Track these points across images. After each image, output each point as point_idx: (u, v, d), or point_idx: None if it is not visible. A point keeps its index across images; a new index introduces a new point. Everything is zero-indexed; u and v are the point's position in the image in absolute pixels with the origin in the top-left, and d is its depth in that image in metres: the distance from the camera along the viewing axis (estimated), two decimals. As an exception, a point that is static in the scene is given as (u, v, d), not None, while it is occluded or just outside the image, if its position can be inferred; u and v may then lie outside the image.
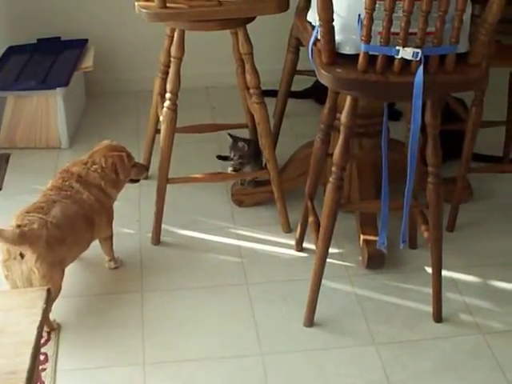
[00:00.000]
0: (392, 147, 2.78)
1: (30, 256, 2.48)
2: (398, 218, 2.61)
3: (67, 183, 2.76)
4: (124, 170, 2.86)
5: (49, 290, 1.73)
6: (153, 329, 2.65)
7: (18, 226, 2.53)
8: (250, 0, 2.78)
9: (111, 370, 2.51)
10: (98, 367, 2.52)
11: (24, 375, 1.54)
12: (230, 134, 3.24)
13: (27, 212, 2.60)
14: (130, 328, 2.66)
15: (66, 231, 2.62)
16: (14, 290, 2.45)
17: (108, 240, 2.90)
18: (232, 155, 3.22)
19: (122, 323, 2.68)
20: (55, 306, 2.55)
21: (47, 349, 2.56)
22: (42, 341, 2.56)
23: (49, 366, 2.50)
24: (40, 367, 2.46)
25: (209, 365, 2.53)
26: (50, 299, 1.71)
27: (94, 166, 2.81)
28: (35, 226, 2.53)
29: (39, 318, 1.65)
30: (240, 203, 3.27)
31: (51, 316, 2.60)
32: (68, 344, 2.60)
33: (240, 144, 3.18)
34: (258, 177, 3.23)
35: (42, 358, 2.51)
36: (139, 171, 2.97)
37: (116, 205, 3.26)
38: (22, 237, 2.48)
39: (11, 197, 3.37)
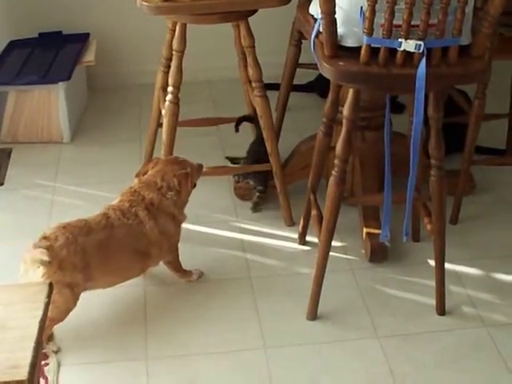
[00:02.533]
0: (395, 140, 2.77)
1: (39, 270, 2.43)
2: (400, 211, 2.61)
3: (133, 210, 2.64)
4: (192, 186, 2.80)
5: (50, 284, 1.73)
6: (156, 323, 2.65)
7: (44, 238, 2.48)
8: (252, -7, 2.78)
9: (114, 365, 2.51)
10: (100, 362, 2.52)
11: (26, 369, 1.54)
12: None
13: (67, 225, 2.53)
14: (133, 322, 2.66)
15: (94, 261, 2.53)
16: (15, 284, 2.44)
17: (171, 263, 2.80)
18: (257, 189, 3.20)
19: (124, 318, 2.68)
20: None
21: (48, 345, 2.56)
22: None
23: (51, 361, 2.50)
24: (43, 362, 2.46)
25: (212, 359, 2.53)
26: (51, 293, 1.70)
27: (170, 193, 2.69)
28: (57, 243, 2.46)
29: (41, 312, 1.65)
30: (243, 197, 3.27)
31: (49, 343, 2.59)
32: (71, 339, 2.60)
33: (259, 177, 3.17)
34: (260, 201, 3.23)
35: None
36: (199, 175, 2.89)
37: (118, 199, 3.27)
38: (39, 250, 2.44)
39: (13, 191, 3.37)
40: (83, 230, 2.54)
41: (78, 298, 2.53)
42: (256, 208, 3.20)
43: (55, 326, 2.55)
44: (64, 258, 2.45)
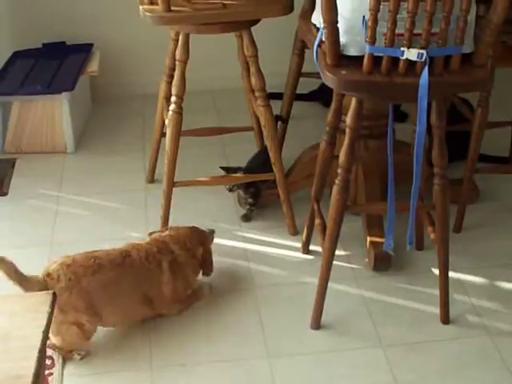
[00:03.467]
0: (398, 149, 2.77)
1: None
2: (404, 220, 2.61)
3: (159, 257, 2.63)
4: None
5: (54, 294, 1.73)
6: (160, 333, 2.65)
7: (47, 275, 2.45)
8: (255, 3, 2.79)
9: (119, 375, 2.51)
10: (105, 372, 2.52)
11: (30, 379, 1.54)
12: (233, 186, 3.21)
13: (72, 263, 2.49)
14: (138, 331, 2.66)
15: (100, 301, 2.50)
16: (18, 294, 2.44)
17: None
18: (247, 201, 3.20)
19: (129, 328, 2.67)
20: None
21: (54, 353, 2.55)
22: (49, 344, 2.56)
23: (56, 370, 2.50)
24: (47, 372, 2.46)
25: (216, 368, 2.52)
26: (54, 304, 1.70)
27: (193, 260, 2.72)
28: (58, 285, 2.43)
29: (44, 322, 1.66)
30: (246, 206, 3.27)
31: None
32: (75, 348, 2.61)
33: (251, 189, 3.17)
34: (249, 214, 3.24)
35: (48, 362, 2.51)
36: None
37: (123, 209, 3.29)
38: (41, 290, 2.36)
39: (18, 201, 3.38)
40: (89, 270, 2.49)
41: (90, 333, 2.52)
42: (246, 219, 3.21)
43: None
44: (65, 301, 2.43)
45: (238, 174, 3.17)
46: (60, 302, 2.38)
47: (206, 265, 2.79)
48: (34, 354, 1.58)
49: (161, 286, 2.62)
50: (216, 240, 3.01)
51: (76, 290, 2.44)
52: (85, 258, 2.53)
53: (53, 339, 2.50)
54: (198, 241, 2.76)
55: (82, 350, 2.55)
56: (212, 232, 2.88)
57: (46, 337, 1.62)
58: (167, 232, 2.76)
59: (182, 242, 2.71)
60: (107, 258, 2.55)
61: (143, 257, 2.60)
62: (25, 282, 2.38)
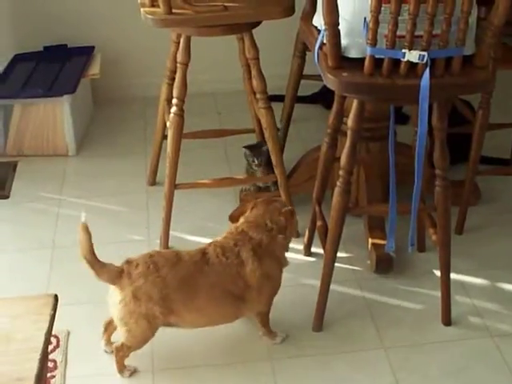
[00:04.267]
0: (399, 151, 2.78)
1: (117, 294, 2.41)
2: (406, 222, 2.61)
3: (237, 249, 2.49)
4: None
5: (55, 297, 1.73)
6: (162, 335, 2.64)
7: (127, 262, 2.43)
8: (256, 5, 2.79)
9: (121, 377, 2.50)
10: (107, 374, 2.52)
11: (32, 382, 1.54)
12: (245, 147, 3.19)
13: (155, 254, 2.47)
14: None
15: (176, 295, 2.43)
16: (20, 296, 2.43)
17: (262, 316, 2.62)
18: (257, 161, 3.17)
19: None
20: (63, 312, 2.53)
21: (56, 355, 2.56)
22: (51, 347, 2.57)
23: (58, 372, 2.50)
24: (49, 374, 2.46)
25: (218, 370, 2.52)
26: (57, 305, 1.70)
27: (280, 236, 2.54)
28: (136, 271, 2.40)
29: (47, 325, 1.66)
30: (248, 208, 3.27)
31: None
32: (77, 351, 2.61)
33: (264, 148, 3.12)
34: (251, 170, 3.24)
35: (51, 364, 2.51)
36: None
37: (124, 211, 3.29)
38: (116, 277, 2.40)
39: (19, 204, 3.39)
40: (170, 261, 2.44)
41: (155, 330, 2.46)
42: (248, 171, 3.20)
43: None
44: (139, 287, 2.38)
45: (242, 176, 3.19)
46: (135, 287, 2.38)
47: (292, 229, 2.63)
48: (36, 357, 1.58)
49: (246, 278, 2.49)
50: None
51: (153, 277, 2.39)
52: (169, 252, 2.57)
53: (119, 331, 2.46)
54: (278, 211, 2.57)
55: (131, 367, 2.52)
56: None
57: (48, 339, 1.62)
58: (242, 219, 2.60)
59: (262, 224, 2.54)
60: (188, 254, 2.49)
61: (220, 253, 2.49)
62: (97, 264, 2.39)
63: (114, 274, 2.40)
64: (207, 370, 2.53)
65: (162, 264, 2.43)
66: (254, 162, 3.17)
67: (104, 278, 2.40)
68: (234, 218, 2.67)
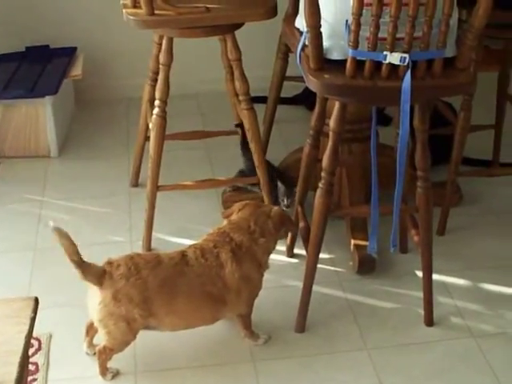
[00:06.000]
0: (381, 152, 2.78)
1: (98, 296, 2.39)
2: (388, 223, 2.62)
3: (216, 251, 2.49)
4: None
5: (36, 300, 1.73)
6: (144, 337, 2.64)
7: (109, 263, 2.42)
8: (238, 7, 2.79)
9: (103, 380, 2.50)
10: (89, 377, 2.51)
11: (12, 385, 1.54)
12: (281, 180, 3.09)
13: (135, 256, 2.45)
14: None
15: (156, 297, 2.41)
16: (1, 299, 2.40)
17: (243, 317, 2.61)
18: (286, 202, 3.09)
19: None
20: (45, 314, 2.53)
21: (38, 358, 2.55)
22: (33, 350, 2.56)
23: (40, 375, 2.49)
24: (31, 377, 2.45)
25: (200, 372, 2.52)
26: (37, 308, 1.70)
27: (262, 239, 2.53)
28: (118, 272, 2.39)
29: (27, 328, 1.65)
30: (231, 209, 3.27)
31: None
32: (59, 353, 2.60)
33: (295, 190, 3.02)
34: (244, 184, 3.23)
35: (32, 367, 2.50)
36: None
37: (106, 213, 3.28)
38: (99, 277, 2.38)
39: (1, 206, 3.37)
40: (150, 264, 2.42)
41: (136, 333, 2.45)
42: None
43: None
44: (120, 288, 2.37)
45: (224, 178, 3.18)
46: (115, 288, 2.37)
47: (289, 228, 2.65)
48: (16, 360, 1.58)
49: (224, 279, 2.48)
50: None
51: (133, 279, 2.38)
52: (149, 254, 2.57)
53: (100, 333, 2.45)
54: (264, 216, 2.57)
55: (113, 369, 2.51)
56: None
57: (28, 342, 1.62)
58: (226, 221, 2.61)
59: (244, 227, 2.54)
60: (167, 256, 2.49)
61: (199, 254, 2.49)
62: (83, 265, 2.36)
63: (98, 275, 2.39)
64: (190, 372, 2.53)
65: (142, 266, 2.42)
66: (283, 201, 3.11)
67: (89, 278, 2.38)
68: (226, 217, 2.66)
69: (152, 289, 2.41)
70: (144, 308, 2.40)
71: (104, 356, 2.47)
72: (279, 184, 3.08)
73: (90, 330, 2.56)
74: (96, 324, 2.45)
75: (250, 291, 2.55)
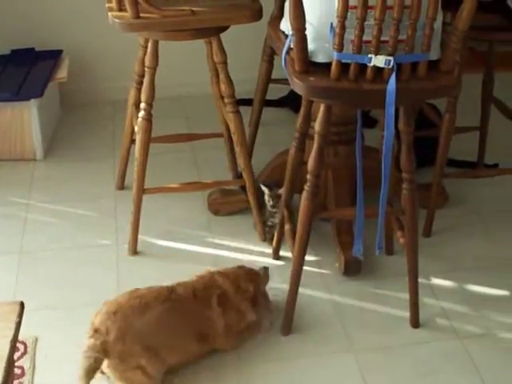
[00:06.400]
0: (367, 154, 2.79)
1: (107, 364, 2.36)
2: (374, 225, 2.62)
3: (204, 293, 2.55)
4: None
5: (21, 304, 1.72)
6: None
7: (95, 331, 2.36)
8: (224, 9, 2.79)
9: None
10: (75, 380, 2.50)
11: (-3, 390, 1.53)
12: (264, 185, 3.11)
13: (118, 309, 2.40)
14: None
15: (156, 340, 2.41)
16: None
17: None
18: (273, 206, 3.09)
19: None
20: (30, 318, 2.52)
21: (24, 362, 2.54)
22: (19, 354, 2.56)
23: (26, 379, 2.48)
24: (17, 381, 2.45)
25: (184, 377, 2.51)
26: (23, 313, 1.69)
27: (246, 295, 2.61)
28: (111, 337, 2.34)
29: (12, 332, 1.64)
30: (216, 212, 3.27)
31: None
32: (45, 357, 2.59)
33: (278, 192, 3.05)
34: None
35: (18, 371, 2.49)
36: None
37: (92, 216, 3.28)
38: (99, 350, 2.33)
39: (-14, 209, 3.36)
40: (137, 310, 2.41)
41: (154, 376, 2.41)
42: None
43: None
44: (120, 351, 2.35)
45: (210, 181, 3.18)
46: (116, 352, 2.34)
47: (257, 303, 2.67)
48: (1, 365, 1.57)
49: (211, 321, 2.53)
50: (185, 246, 3.02)
51: (129, 336, 2.36)
52: (129, 299, 2.45)
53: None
54: (248, 278, 2.66)
55: None
56: (265, 270, 2.77)
57: (13, 346, 1.61)
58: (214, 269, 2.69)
59: (232, 278, 2.62)
60: (151, 295, 2.47)
61: (190, 293, 2.52)
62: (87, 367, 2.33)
63: (97, 350, 2.34)
64: (174, 376, 2.52)
65: (130, 317, 2.40)
66: (269, 202, 3.09)
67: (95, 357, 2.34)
68: None
69: (149, 335, 2.41)
70: (150, 355, 2.39)
71: None
72: (263, 188, 3.09)
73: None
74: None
75: (232, 337, 2.59)
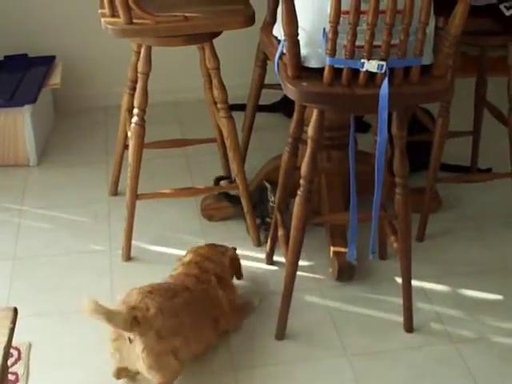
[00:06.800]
0: (360, 159, 2.79)
1: (139, 344, 2.32)
2: (367, 230, 2.62)
3: (204, 276, 2.62)
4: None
5: (15, 310, 1.72)
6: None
7: (133, 308, 2.35)
8: (216, 15, 2.79)
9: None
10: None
11: (-9, 396, 1.53)
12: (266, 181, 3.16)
13: (151, 289, 2.44)
14: (102, 346, 2.63)
15: (185, 323, 2.44)
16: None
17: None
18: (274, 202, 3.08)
19: (93, 341, 2.65)
20: (24, 324, 2.52)
21: (18, 368, 2.54)
22: (12, 360, 2.55)
23: (19, 385, 2.49)
24: (9, 387, 2.45)
25: (181, 380, 2.51)
26: (16, 319, 1.69)
27: (226, 268, 2.73)
28: (150, 313, 2.35)
29: (5, 339, 1.64)
30: (210, 218, 3.27)
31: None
32: (39, 363, 2.58)
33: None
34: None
35: (12, 377, 2.49)
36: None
37: (86, 222, 3.27)
38: (134, 324, 2.31)
39: (-20, 216, 3.36)
40: (169, 294, 2.46)
41: (183, 361, 2.43)
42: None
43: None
44: (161, 326, 2.35)
45: (203, 186, 3.18)
46: (156, 328, 2.33)
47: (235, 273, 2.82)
48: (-5, 371, 1.57)
49: (220, 302, 2.60)
50: (179, 252, 3.01)
51: (167, 313, 2.38)
52: (159, 284, 2.52)
53: (151, 377, 2.40)
54: (221, 252, 2.77)
55: None
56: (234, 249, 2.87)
57: (7, 353, 1.61)
58: (187, 257, 2.74)
59: (212, 259, 2.70)
60: (174, 284, 2.56)
61: (194, 280, 2.58)
62: (112, 316, 2.30)
63: (125, 323, 2.32)
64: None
65: (165, 297, 2.44)
66: (271, 198, 3.12)
67: (121, 326, 2.32)
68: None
69: (182, 315, 2.44)
70: (183, 335, 2.42)
71: None
72: (266, 184, 3.11)
73: (122, 372, 2.49)
74: (145, 373, 2.39)
75: (235, 314, 2.69)
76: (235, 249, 2.86)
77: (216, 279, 2.63)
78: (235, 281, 2.82)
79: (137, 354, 2.34)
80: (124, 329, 2.32)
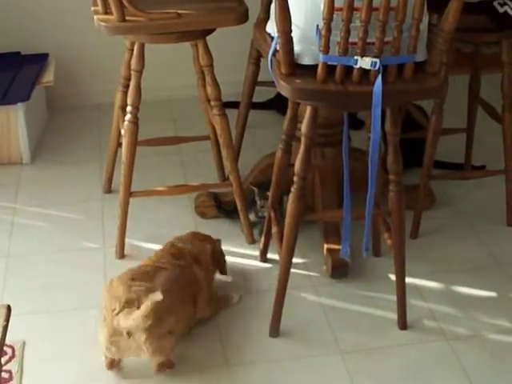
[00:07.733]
0: (353, 156, 2.80)
1: (140, 336, 2.37)
2: (361, 227, 2.62)
3: (180, 254, 2.68)
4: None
5: (8, 307, 1.72)
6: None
7: (126, 303, 2.38)
8: (209, 12, 2.79)
9: (76, 386, 2.50)
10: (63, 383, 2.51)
11: (-16, 394, 1.53)
12: (253, 185, 3.16)
13: (132, 279, 2.48)
14: (95, 345, 2.63)
15: (175, 299, 2.48)
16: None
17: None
18: (260, 204, 3.12)
19: (87, 340, 2.65)
20: (18, 321, 2.52)
21: (12, 366, 2.54)
22: (6, 358, 2.55)
23: (13, 383, 2.48)
24: (3, 385, 2.45)
25: (174, 378, 2.51)
26: (9, 316, 1.69)
27: (206, 253, 2.76)
28: (144, 299, 2.38)
29: (-1, 336, 1.65)
30: (203, 215, 3.27)
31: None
32: (33, 361, 2.58)
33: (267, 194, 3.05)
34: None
35: (6, 375, 2.49)
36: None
37: (80, 220, 3.27)
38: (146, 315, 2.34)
39: (-27, 214, 3.35)
40: (149, 276, 2.51)
41: (176, 337, 2.50)
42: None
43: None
44: (158, 309, 2.36)
45: (197, 184, 3.18)
46: (153, 311, 2.34)
47: (215, 260, 2.81)
48: (-11, 369, 1.57)
49: (196, 279, 2.64)
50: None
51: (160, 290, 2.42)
52: (132, 271, 2.57)
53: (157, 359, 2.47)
54: (203, 239, 2.82)
55: None
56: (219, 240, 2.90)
57: (1, 350, 1.61)
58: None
59: (191, 242, 2.77)
60: (147, 267, 2.59)
61: (170, 258, 2.64)
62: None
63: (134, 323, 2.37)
64: (163, 378, 2.52)
65: (148, 281, 2.48)
66: (259, 201, 3.12)
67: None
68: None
69: (172, 293, 2.48)
70: (174, 316, 2.46)
71: (166, 367, 2.50)
72: (253, 187, 3.09)
73: (114, 363, 2.53)
74: (148, 357, 2.44)
75: (213, 302, 2.72)
76: (220, 241, 2.88)
77: (192, 259, 2.66)
78: (220, 276, 2.86)
79: (139, 345, 2.38)
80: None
